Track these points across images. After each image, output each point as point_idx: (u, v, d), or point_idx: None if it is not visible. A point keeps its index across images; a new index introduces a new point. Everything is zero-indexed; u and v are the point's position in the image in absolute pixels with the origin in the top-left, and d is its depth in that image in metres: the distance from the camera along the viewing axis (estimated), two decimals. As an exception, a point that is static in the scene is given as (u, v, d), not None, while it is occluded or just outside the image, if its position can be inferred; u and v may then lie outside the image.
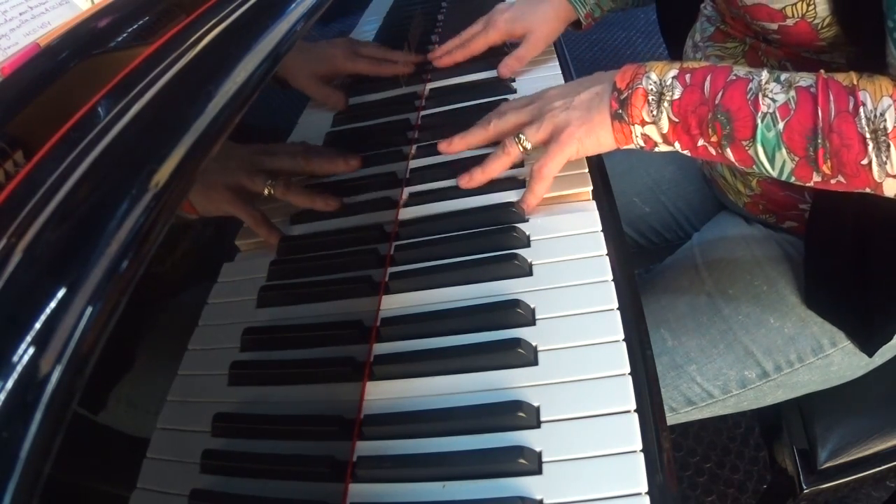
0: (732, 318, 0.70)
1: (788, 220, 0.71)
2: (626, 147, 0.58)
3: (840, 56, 0.59)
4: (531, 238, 0.57)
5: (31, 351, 0.25)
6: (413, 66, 0.80)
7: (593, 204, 0.59)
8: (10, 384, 0.24)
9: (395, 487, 0.43)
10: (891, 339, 0.67)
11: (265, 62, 0.44)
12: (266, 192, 0.50)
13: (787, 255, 0.71)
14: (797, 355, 0.68)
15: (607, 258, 0.54)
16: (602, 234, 0.56)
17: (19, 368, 0.25)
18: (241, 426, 0.44)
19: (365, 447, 0.46)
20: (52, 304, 0.27)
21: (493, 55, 0.83)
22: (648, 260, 0.97)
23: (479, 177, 0.62)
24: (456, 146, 0.65)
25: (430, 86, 0.83)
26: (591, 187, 0.60)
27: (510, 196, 0.62)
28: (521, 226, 0.58)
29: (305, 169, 0.57)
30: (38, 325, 0.26)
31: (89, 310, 0.27)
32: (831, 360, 0.69)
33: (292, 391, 0.47)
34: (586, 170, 0.62)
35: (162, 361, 0.38)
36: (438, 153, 0.68)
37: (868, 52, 0.52)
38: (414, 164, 0.69)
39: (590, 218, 0.58)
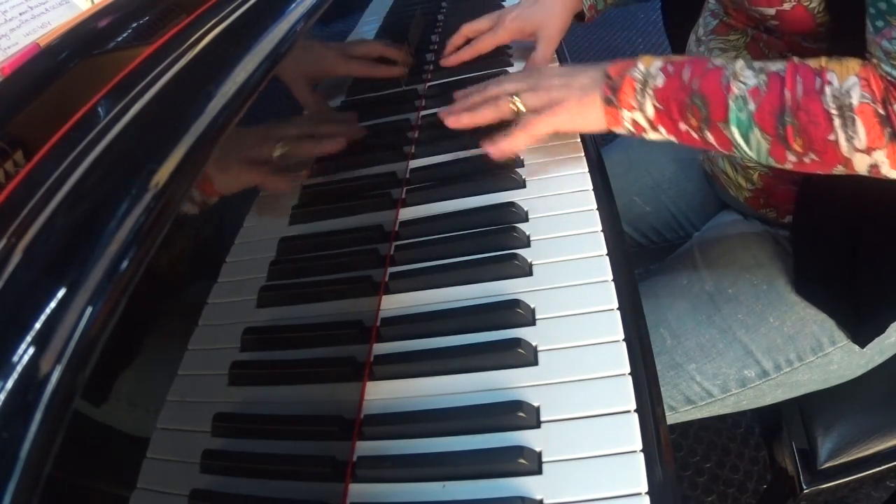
0: (732, 318, 0.70)
1: (790, 215, 0.71)
2: (616, 129, 0.62)
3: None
4: (531, 238, 0.57)
5: (31, 351, 0.25)
6: (407, 67, 0.80)
7: (593, 201, 0.60)
8: (10, 384, 0.24)
9: (395, 487, 0.43)
10: (884, 330, 0.67)
11: (265, 62, 0.44)
12: (277, 152, 0.51)
13: (787, 253, 0.71)
14: (797, 354, 0.68)
15: (607, 258, 0.54)
16: (602, 235, 0.56)
17: (19, 368, 0.25)
18: (241, 426, 0.44)
19: (365, 447, 0.46)
20: (52, 304, 0.27)
21: (495, 55, 0.83)
22: (648, 260, 0.97)
23: (466, 119, 0.66)
24: (456, 111, 0.67)
25: (429, 85, 0.83)
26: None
27: (510, 196, 0.62)
28: (521, 226, 0.58)
29: (311, 130, 0.60)
30: (38, 325, 0.26)
31: (89, 310, 0.27)
32: (831, 358, 0.69)
33: (292, 391, 0.47)
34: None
35: (162, 361, 0.38)
36: (438, 153, 0.68)
37: (852, 36, 0.53)
38: (414, 164, 0.69)
39: (590, 218, 0.58)
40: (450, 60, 0.82)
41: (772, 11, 0.59)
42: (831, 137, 0.50)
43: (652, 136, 0.60)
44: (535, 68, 0.68)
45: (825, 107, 0.50)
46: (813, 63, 0.53)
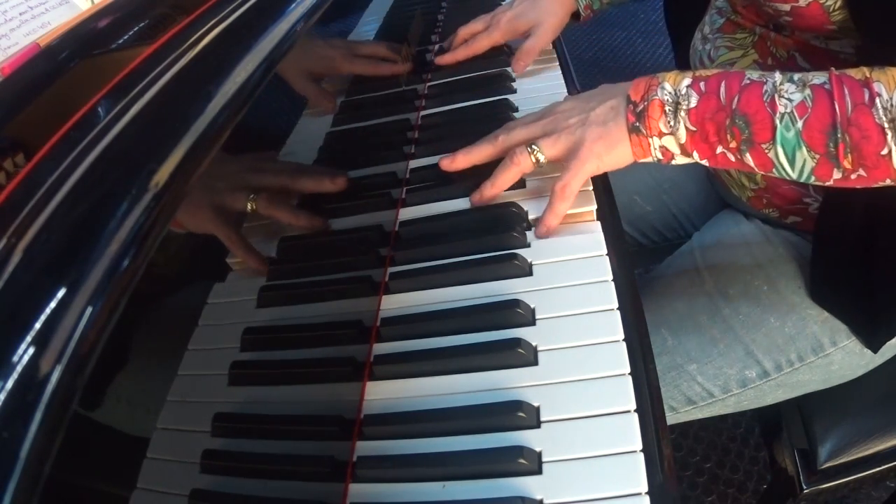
0: (732, 318, 0.70)
1: (792, 215, 0.71)
2: (643, 161, 0.57)
3: (849, 44, 0.59)
4: (531, 238, 0.57)
5: (31, 351, 0.25)
6: (411, 66, 0.80)
7: (593, 201, 0.59)
8: (10, 384, 0.24)
9: (395, 487, 0.43)
10: (894, 335, 0.67)
11: (265, 62, 0.44)
12: (249, 207, 0.48)
13: (788, 254, 0.71)
14: (797, 354, 0.68)
15: (607, 258, 0.54)
16: (602, 234, 0.56)
17: (19, 368, 0.25)
18: (241, 426, 0.44)
19: (365, 447, 0.46)
20: (52, 304, 0.27)
21: (495, 55, 0.83)
22: (648, 260, 0.97)
23: (488, 191, 0.60)
24: (459, 163, 0.62)
25: (429, 85, 0.83)
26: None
27: (510, 196, 0.62)
28: (520, 226, 0.58)
29: (290, 186, 0.55)
30: (38, 325, 0.26)
31: (89, 310, 0.27)
32: (831, 359, 0.69)
33: (292, 391, 0.47)
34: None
35: (162, 361, 0.38)
36: (438, 153, 0.68)
37: (873, 37, 0.52)
38: (414, 164, 0.69)
39: (590, 217, 0.58)
40: (445, 59, 0.82)
41: (786, 8, 0.58)
42: (884, 152, 0.48)
43: (681, 160, 0.56)
44: (547, 108, 0.61)
45: (877, 121, 0.48)
46: (855, 74, 0.50)
